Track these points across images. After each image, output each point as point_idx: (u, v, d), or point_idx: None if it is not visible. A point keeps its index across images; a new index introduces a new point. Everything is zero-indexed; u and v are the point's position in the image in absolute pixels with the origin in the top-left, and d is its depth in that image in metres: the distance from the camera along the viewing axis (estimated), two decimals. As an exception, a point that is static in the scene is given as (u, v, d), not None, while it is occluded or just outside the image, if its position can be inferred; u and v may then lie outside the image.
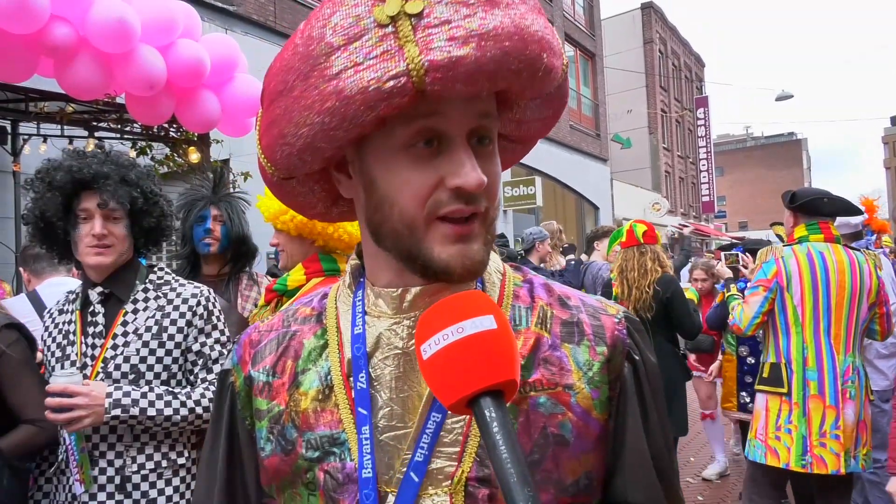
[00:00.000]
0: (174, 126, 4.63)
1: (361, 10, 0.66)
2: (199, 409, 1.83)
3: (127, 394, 1.75)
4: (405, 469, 0.74)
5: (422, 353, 0.63)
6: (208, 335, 1.92)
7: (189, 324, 1.90)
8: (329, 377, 0.79)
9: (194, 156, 4.71)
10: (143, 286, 1.93)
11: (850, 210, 3.31)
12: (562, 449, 0.75)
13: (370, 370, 0.78)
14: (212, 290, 2.02)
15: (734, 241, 7.65)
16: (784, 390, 3.08)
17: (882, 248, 6.62)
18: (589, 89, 21.74)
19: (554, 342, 0.79)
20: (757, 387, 3.25)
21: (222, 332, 1.95)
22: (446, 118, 0.69)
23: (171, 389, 1.84)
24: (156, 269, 2.00)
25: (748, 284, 3.32)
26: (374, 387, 0.77)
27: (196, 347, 1.90)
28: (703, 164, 35.58)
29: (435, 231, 0.71)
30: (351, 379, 0.78)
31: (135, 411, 1.74)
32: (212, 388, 1.84)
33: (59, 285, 2.95)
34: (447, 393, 0.61)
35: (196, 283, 2.02)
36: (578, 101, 20.74)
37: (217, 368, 1.88)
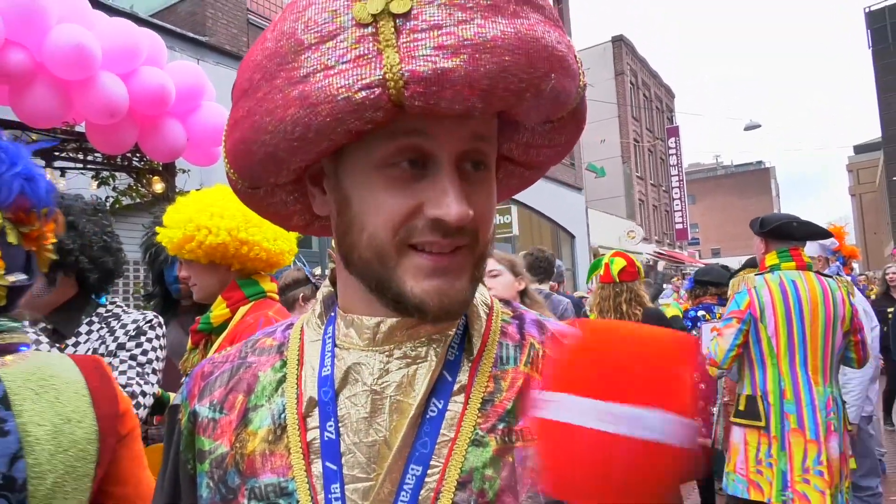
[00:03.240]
0: (137, 155, 4.48)
1: (339, 5, 0.58)
2: None
3: None
4: None
5: (545, 402, 0.47)
6: (128, 350, 1.79)
7: (120, 346, 1.80)
8: (283, 416, 0.68)
9: (158, 186, 4.56)
10: (88, 319, 1.86)
11: (820, 234, 3.27)
12: None
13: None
14: (160, 319, 1.92)
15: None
16: (762, 424, 2.99)
17: (851, 274, 6.69)
18: (563, 119, 22.04)
19: None
20: (733, 419, 3.17)
21: (144, 353, 1.81)
22: (433, 138, 0.61)
23: None
24: (107, 303, 1.92)
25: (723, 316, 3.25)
26: (338, 429, 0.66)
27: (110, 361, 1.76)
28: (676, 193, 36.21)
29: (408, 261, 0.62)
30: (308, 420, 0.67)
31: None
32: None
33: None
34: (559, 489, 0.46)
35: (146, 312, 1.94)
36: (552, 131, 20.98)
37: (122, 379, 1.75)
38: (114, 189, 4.94)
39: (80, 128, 4.05)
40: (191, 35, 9.10)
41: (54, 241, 1.16)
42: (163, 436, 2.34)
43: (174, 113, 3.95)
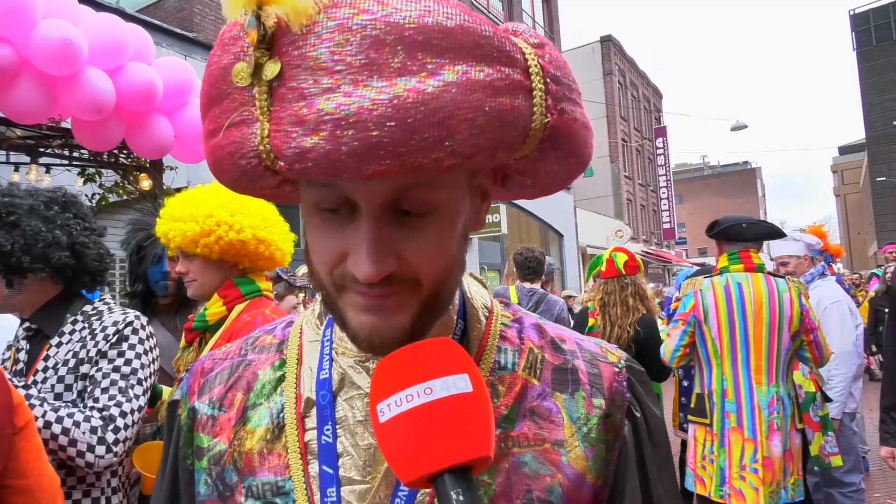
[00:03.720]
0: (124, 152, 4.44)
1: (228, 62, 0.55)
2: (54, 427, 1.55)
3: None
4: None
5: (378, 415, 0.53)
6: (110, 360, 1.71)
7: (99, 352, 1.72)
8: (281, 415, 0.68)
9: (146, 183, 4.52)
10: (73, 318, 1.79)
11: (774, 233, 3.30)
12: None
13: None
14: (143, 320, 1.84)
15: (696, 266, 7.83)
16: (707, 421, 3.11)
17: (836, 273, 6.76)
18: (551, 119, 22.09)
19: (544, 391, 0.68)
20: (689, 417, 3.30)
21: (127, 363, 1.73)
22: (349, 189, 0.56)
23: (48, 399, 1.60)
24: (96, 301, 1.85)
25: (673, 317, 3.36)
26: (336, 432, 0.66)
27: (91, 372, 1.70)
28: (664, 192, 36.44)
29: (346, 297, 0.61)
30: (306, 420, 0.67)
31: None
32: (89, 413, 1.62)
33: None
34: (407, 468, 0.51)
35: (127, 311, 1.84)
36: (541, 131, 21.03)
37: (103, 399, 1.66)
38: (100, 186, 4.90)
39: (66, 124, 4.01)
40: (178, 31, 9.03)
41: None
42: (148, 435, 2.32)
43: (162, 109, 3.92)
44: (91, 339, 1.75)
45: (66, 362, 1.71)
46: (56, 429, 1.55)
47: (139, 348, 1.77)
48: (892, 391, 2.50)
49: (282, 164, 0.51)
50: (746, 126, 33.55)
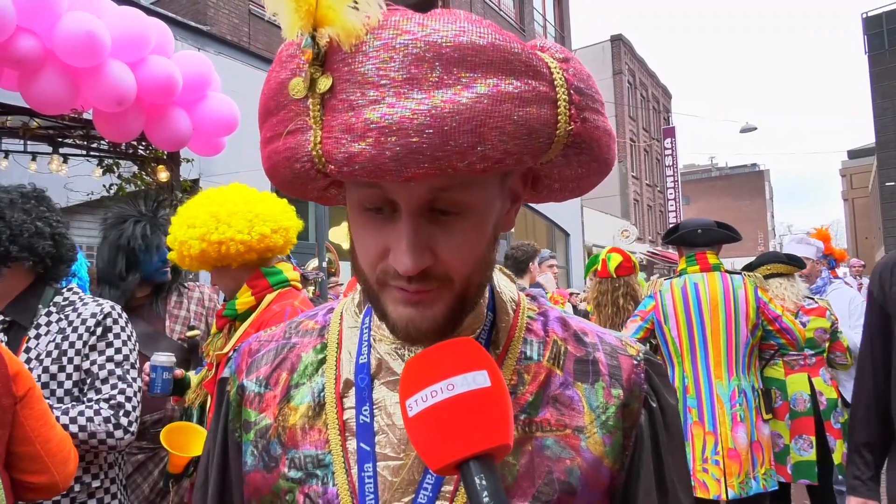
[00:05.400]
0: (143, 144, 4.52)
1: (285, 77, 0.62)
2: (72, 427, 1.71)
3: None
4: None
5: (407, 410, 0.59)
6: (101, 353, 1.85)
7: (85, 344, 1.84)
8: (322, 394, 0.75)
9: (163, 174, 4.60)
10: (46, 310, 1.87)
11: (730, 238, 3.39)
12: (568, 498, 0.69)
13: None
14: (118, 307, 1.94)
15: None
16: None
17: (838, 276, 6.77)
18: (560, 117, 22.04)
19: (566, 380, 0.73)
20: None
21: (118, 351, 1.87)
22: (389, 190, 0.62)
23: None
24: (64, 290, 1.94)
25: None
26: (373, 412, 0.72)
27: (86, 366, 1.83)
28: (671, 193, 36.37)
29: (387, 293, 0.68)
30: (344, 400, 0.73)
31: None
32: (97, 406, 1.78)
33: None
34: (434, 456, 0.57)
35: (99, 301, 1.93)
36: (550, 129, 21.00)
37: (106, 389, 1.82)
38: (118, 177, 4.98)
39: (87, 115, 4.09)
40: (192, 24, 9.11)
41: None
42: (176, 417, 2.41)
43: (180, 103, 3.99)
44: (72, 331, 1.84)
45: (49, 353, 1.80)
46: (73, 428, 1.71)
47: (123, 336, 1.91)
48: (869, 424, 2.02)
49: (332, 167, 0.57)
50: (756, 128, 33.43)
